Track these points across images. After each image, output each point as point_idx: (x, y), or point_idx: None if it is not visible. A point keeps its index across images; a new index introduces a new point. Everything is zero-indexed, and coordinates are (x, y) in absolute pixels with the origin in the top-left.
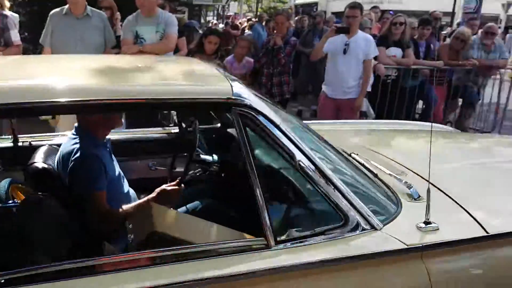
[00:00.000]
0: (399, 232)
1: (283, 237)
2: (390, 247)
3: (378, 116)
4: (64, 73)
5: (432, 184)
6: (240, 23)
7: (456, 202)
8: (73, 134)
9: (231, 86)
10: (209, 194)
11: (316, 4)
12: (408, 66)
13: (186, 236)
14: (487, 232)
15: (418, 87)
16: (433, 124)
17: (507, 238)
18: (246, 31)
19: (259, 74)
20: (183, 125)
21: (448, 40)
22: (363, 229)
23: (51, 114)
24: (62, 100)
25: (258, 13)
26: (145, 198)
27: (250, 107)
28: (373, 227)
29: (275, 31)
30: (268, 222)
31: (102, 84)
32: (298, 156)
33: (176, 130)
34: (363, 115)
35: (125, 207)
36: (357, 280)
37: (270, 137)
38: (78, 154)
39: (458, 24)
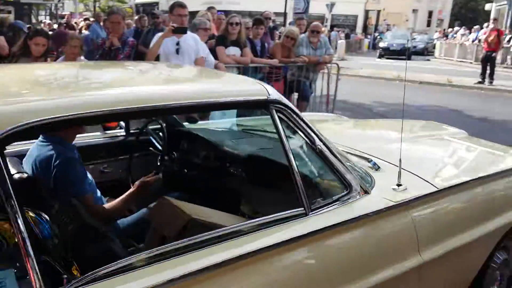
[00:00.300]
0: (383, 194)
1: (314, 206)
2: (384, 205)
3: None
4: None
5: (382, 159)
6: (76, 22)
7: (406, 170)
8: (43, 140)
9: (266, 88)
10: (175, 188)
11: (157, 3)
12: (247, 65)
13: (217, 220)
14: (437, 188)
15: None
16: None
17: (450, 190)
18: (84, 31)
19: None
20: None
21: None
22: (361, 195)
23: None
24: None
25: (96, 12)
26: (127, 193)
27: (282, 103)
28: (367, 192)
29: (110, 32)
30: (304, 194)
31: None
32: (317, 141)
33: (122, 133)
34: None
35: (111, 204)
36: (367, 232)
37: (298, 126)
38: (59, 160)
39: (290, 24)
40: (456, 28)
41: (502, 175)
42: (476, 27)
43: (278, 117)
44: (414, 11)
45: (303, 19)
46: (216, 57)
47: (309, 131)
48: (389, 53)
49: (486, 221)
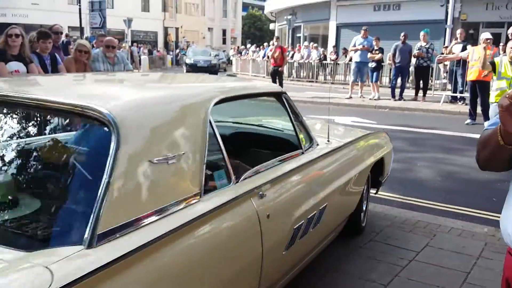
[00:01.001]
0: (322, 145)
1: (304, 148)
2: (331, 148)
3: None
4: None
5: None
6: None
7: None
8: None
9: (280, 86)
10: None
11: None
12: None
13: None
14: (340, 144)
15: None
16: None
17: (344, 145)
18: None
19: None
20: None
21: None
22: (316, 145)
23: None
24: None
25: None
26: None
27: (287, 94)
28: (317, 144)
29: None
30: (300, 142)
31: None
32: (300, 116)
33: None
34: None
35: None
36: (325, 161)
37: (292, 107)
38: None
39: (87, 38)
40: (248, 46)
41: (363, 139)
42: (265, 44)
43: (288, 103)
44: (210, 29)
45: (104, 35)
46: None
47: (296, 110)
48: (196, 69)
49: (361, 162)
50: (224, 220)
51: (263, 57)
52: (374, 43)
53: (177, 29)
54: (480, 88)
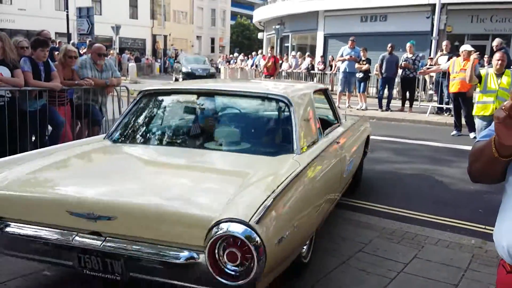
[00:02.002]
0: (344, 123)
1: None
2: (350, 123)
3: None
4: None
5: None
6: None
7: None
8: None
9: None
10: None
11: None
12: (20, 86)
13: None
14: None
15: (40, 110)
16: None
17: (351, 126)
18: None
19: None
20: None
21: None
22: (344, 121)
23: None
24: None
25: None
26: None
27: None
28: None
29: None
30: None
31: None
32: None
33: None
34: None
35: None
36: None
37: (331, 100)
38: None
39: (73, 44)
40: (235, 54)
41: (359, 121)
42: (253, 53)
43: (328, 94)
44: (198, 37)
45: (93, 42)
46: None
47: (333, 100)
48: (194, 78)
49: (363, 134)
50: (328, 152)
51: (251, 66)
52: (361, 53)
53: (165, 36)
54: (463, 100)
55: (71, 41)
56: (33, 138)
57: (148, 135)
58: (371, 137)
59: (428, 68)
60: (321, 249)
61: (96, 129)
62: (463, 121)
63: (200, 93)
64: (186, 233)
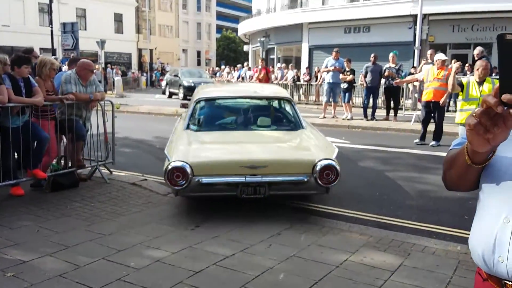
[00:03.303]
0: (307, 128)
1: (298, 128)
2: (310, 128)
3: None
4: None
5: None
6: None
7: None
8: None
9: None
10: None
11: None
12: (4, 103)
13: None
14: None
15: (23, 126)
16: None
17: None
18: None
19: None
20: None
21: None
22: (305, 128)
23: None
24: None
25: None
26: None
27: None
28: (305, 128)
29: None
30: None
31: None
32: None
33: None
34: None
35: None
36: (307, 133)
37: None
38: None
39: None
40: (222, 67)
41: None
42: (239, 65)
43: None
44: (184, 50)
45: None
46: None
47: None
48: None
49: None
50: (314, 129)
51: (237, 78)
52: (345, 64)
53: (151, 50)
54: (436, 108)
55: (55, 56)
56: (16, 155)
57: (216, 125)
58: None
59: (402, 79)
60: (307, 258)
61: (81, 144)
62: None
63: (237, 97)
64: (302, 167)
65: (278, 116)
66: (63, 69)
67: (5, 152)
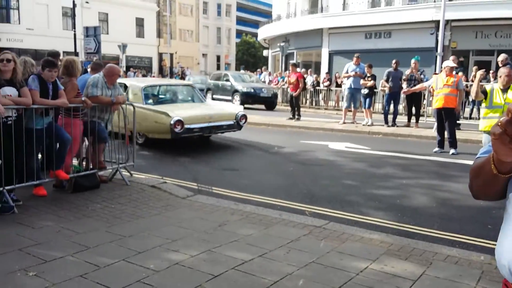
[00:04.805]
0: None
1: None
2: None
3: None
4: None
5: None
6: None
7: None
8: None
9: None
10: None
11: None
12: (28, 106)
13: None
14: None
15: (47, 128)
16: None
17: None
18: None
19: None
20: None
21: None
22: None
23: None
24: None
25: None
26: None
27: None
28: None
29: None
30: None
31: None
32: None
33: None
34: None
35: None
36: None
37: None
38: None
39: (81, 62)
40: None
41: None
42: (258, 70)
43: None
44: (204, 55)
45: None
46: None
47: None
48: (257, 99)
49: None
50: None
51: None
52: (366, 70)
53: (171, 54)
54: (447, 115)
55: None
56: (39, 156)
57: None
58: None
59: (411, 88)
60: (327, 265)
61: (102, 146)
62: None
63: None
64: (230, 116)
65: (189, 94)
66: (88, 71)
67: (29, 153)
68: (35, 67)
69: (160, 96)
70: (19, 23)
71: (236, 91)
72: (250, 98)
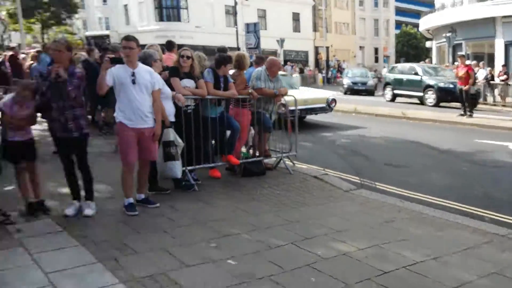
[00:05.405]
0: None
1: None
2: None
3: (187, 144)
4: None
5: None
6: (24, 56)
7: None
8: None
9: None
10: None
11: (107, 36)
12: (203, 96)
13: None
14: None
15: (220, 117)
16: None
17: None
18: (31, 62)
19: (47, 109)
20: None
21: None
22: None
23: None
24: None
25: (44, 43)
26: None
27: None
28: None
29: (54, 62)
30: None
31: None
32: None
33: None
34: (172, 145)
35: None
36: None
37: None
38: None
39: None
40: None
41: None
42: (421, 62)
43: None
44: (361, 48)
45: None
46: (171, 88)
47: None
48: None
49: None
50: None
51: None
52: None
53: (327, 48)
54: None
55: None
56: (213, 142)
57: None
58: None
59: None
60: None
61: (267, 135)
62: None
63: None
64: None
65: None
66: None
67: (205, 138)
68: (207, 61)
69: None
70: (189, 22)
71: (428, 86)
72: (449, 95)
